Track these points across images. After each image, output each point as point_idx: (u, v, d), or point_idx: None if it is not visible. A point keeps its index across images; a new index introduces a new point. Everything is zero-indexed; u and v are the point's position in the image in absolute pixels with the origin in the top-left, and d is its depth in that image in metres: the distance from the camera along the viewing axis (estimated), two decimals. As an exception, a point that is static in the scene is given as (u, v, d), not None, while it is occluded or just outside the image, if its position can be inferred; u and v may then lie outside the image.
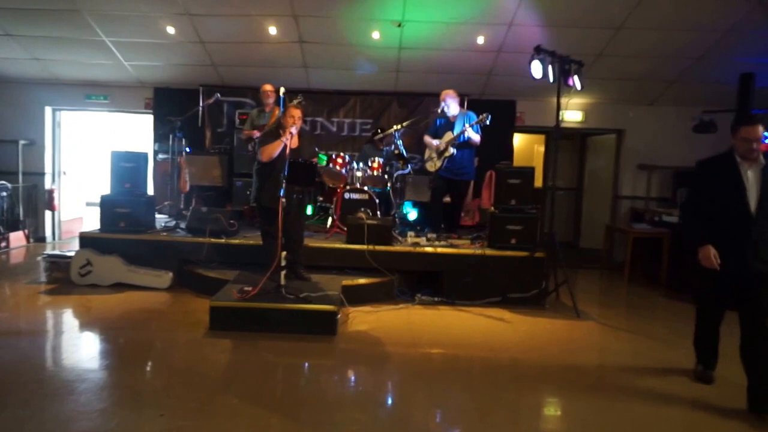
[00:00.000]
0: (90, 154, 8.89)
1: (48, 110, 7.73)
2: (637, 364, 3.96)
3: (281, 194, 4.32)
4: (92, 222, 8.47)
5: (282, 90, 5.98)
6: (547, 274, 5.27)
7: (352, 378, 3.67)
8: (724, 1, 5.40)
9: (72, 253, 5.48)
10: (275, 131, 4.67)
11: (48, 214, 7.77)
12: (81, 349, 3.97)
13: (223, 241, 5.43)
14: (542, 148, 9.31)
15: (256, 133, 6.12)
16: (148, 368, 3.68)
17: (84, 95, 7.54)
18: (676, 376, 3.75)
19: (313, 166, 4.58)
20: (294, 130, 4.56)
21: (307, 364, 3.78)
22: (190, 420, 2.86)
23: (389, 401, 3.37)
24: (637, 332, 4.72)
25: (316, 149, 6.53)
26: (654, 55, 6.39)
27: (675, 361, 3.98)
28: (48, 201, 7.57)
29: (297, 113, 4.63)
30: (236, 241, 5.48)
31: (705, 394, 3.46)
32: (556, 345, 4.30)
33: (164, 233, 5.67)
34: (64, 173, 7.97)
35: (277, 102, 6.17)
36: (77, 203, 8.50)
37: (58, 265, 5.52)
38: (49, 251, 5.91)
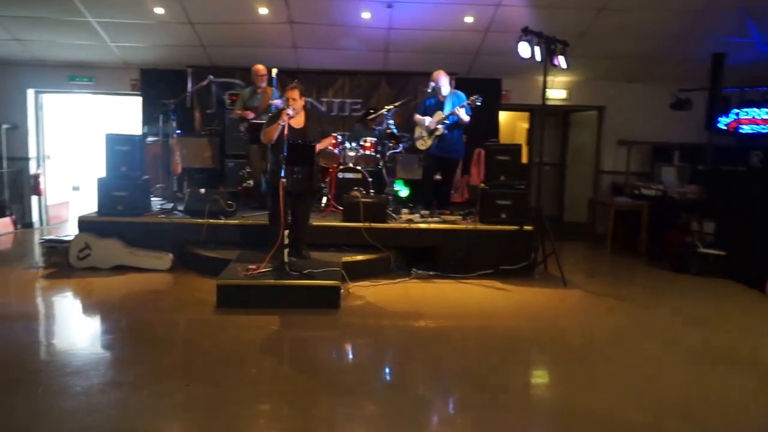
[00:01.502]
0: (73, 138, 8.76)
1: (30, 93, 7.57)
2: (621, 327, 4.27)
3: (282, 175, 4.45)
4: (79, 206, 8.43)
5: (275, 71, 6.05)
6: (535, 246, 5.53)
7: (359, 347, 3.88)
8: (699, -17, 5.65)
9: (70, 237, 5.50)
10: (278, 114, 4.76)
11: (34, 199, 7.67)
12: (96, 328, 4.09)
13: (221, 221, 5.52)
14: (524, 125, 9.56)
15: (250, 114, 6.16)
16: (166, 344, 3.80)
17: (67, 77, 7.41)
18: (657, 335, 4.09)
19: (312, 147, 4.68)
20: (291, 111, 4.65)
21: (315, 336, 3.97)
22: (216, 388, 3.03)
23: (394, 367, 3.58)
24: (620, 298, 5.04)
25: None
26: (633, 35, 6.61)
27: (656, 323, 4.33)
28: (34, 186, 7.47)
29: (292, 94, 4.72)
30: (235, 221, 5.58)
31: (681, 351, 3.77)
32: (547, 312, 4.58)
33: (162, 215, 5.72)
34: (49, 157, 7.87)
35: (269, 82, 6.23)
36: (63, 187, 8.40)
37: (56, 249, 5.51)
38: (46, 236, 5.88)
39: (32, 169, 7.65)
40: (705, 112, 6.47)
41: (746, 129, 7.38)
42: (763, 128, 7.30)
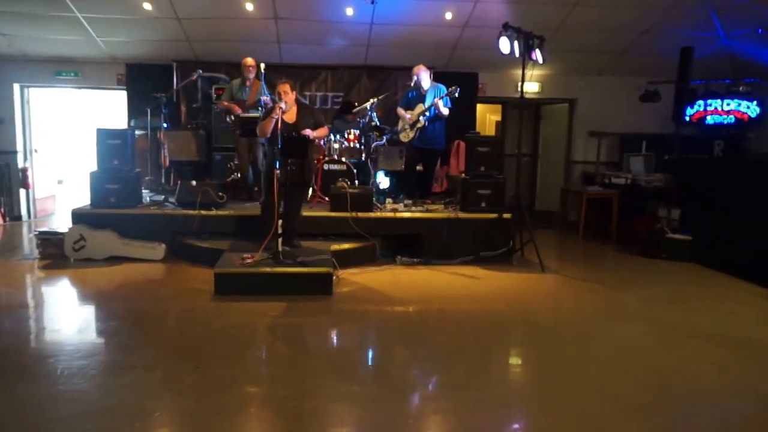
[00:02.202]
0: (59, 132, 8.77)
1: (16, 87, 7.59)
2: (597, 308, 4.58)
3: (276, 166, 4.64)
4: (65, 199, 8.47)
5: (263, 65, 6.20)
6: (513, 233, 5.85)
7: (352, 331, 4.07)
8: (666, -19, 5.99)
9: (63, 230, 5.60)
10: (272, 109, 4.91)
11: (22, 192, 7.71)
12: (100, 315, 4.21)
13: (213, 212, 5.68)
14: (495, 117, 9.90)
15: (237, 110, 6.30)
16: (170, 330, 3.98)
17: (53, 71, 7.45)
18: (631, 315, 4.43)
19: (306, 139, 4.87)
20: (284, 105, 4.78)
21: (310, 321, 4.16)
22: (226, 370, 3.16)
23: (385, 350, 3.79)
24: (594, 281, 5.39)
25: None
26: (604, 29, 6.93)
27: (630, 304, 4.69)
28: (22, 179, 7.51)
29: (283, 88, 4.84)
30: (225, 212, 5.74)
31: (654, 329, 4.13)
32: (527, 295, 4.87)
33: (154, 207, 5.86)
34: (36, 151, 7.89)
35: (257, 76, 6.37)
36: (49, 181, 8.43)
37: (50, 241, 5.62)
38: (40, 228, 5.96)
39: (19, 162, 7.67)
40: (672, 103, 6.84)
41: (710, 120, 7.82)
42: (726, 119, 7.74)
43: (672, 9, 6.44)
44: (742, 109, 7.62)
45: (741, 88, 7.16)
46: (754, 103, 7.52)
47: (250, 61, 6.29)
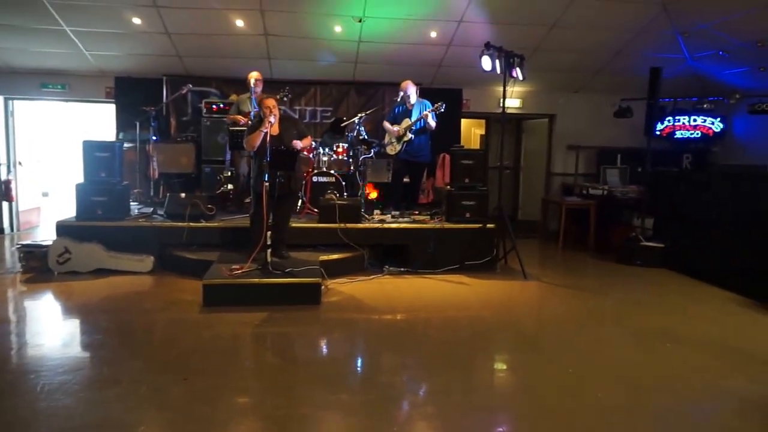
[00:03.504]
0: (43, 144, 8.71)
1: (0, 99, 7.55)
2: (577, 312, 4.76)
3: (265, 179, 4.72)
4: (49, 212, 8.39)
5: (252, 79, 6.31)
6: (497, 243, 6.03)
7: (340, 340, 4.12)
8: (637, 6, 6.28)
9: (47, 242, 5.53)
10: (259, 122, 5.02)
11: (5, 205, 7.62)
12: (85, 329, 4.14)
13: (202, 224, 5.72)
14: (479, 131, 10.18)
15: (243, 119, 6.29)
16: (157, 342, 3.96)
17: (39, 84, 7.42)
18: (609, 318, 4.67)
19: (294, 153, 4.98)
20: (272, 119, 4.86)
21: (299, 331, 4.20)
22: (213, 380, 3.16)
23: (373, 358, 3.83)
24: (574, 287, 5.59)
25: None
26: (580, 50, 7.26)
27: (608, 309, 4.93)
28: (5, 192, 7.42)
29: (268, 103, 4.92)
30: (214, 224, 5.78)
31: (630, 331, 4.31)
32: (510, 301, 5.04)
33: (142, 219, 5.88)
34: (20, 164, 7.84)
35: (246, 89, 6.44)
36: (33, 193, 8.35)
37: (33, 254, 5.54)
38: (22, 242, 5.88)
39: (2, 175, 7.59)
40: (644, 119, 7.19)
41: (679, 134, 8.21)
42: (693, 134, 8.16)
43: (642, 32, 6.78)
44: (708, 124, 8.05)
45: (706, 105, 7.56)
46: (718, 119, 7.97)
47: (256, 75, 6.35)
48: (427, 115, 6.24)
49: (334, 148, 6.66)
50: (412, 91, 6.42)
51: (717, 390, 3.30)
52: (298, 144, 5.11)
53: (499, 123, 6.76)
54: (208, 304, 4.51)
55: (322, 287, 4.86)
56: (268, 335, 4.10)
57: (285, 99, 6.41)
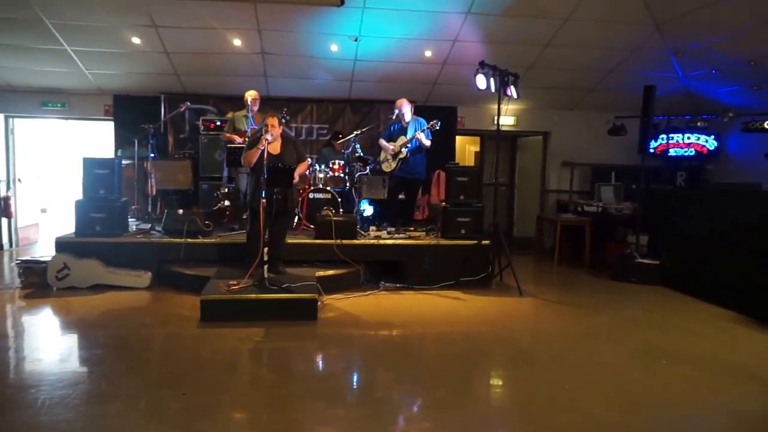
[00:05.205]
0: (44, 160, 8.77)
1: (0, 117, 7.63)
2: (572, 329, 4.78)
3: (262, 195, 4.79)
4: (48, 228, 8.42)
5: (250, 98, 6.40)
6: (492, 259, 6.07)
7: (336, 355, 4.14)
8: (630, 26, 6.42)
9: (46, 258, 5.58)
10: (257, 140, 5.10)
11: (4, 221, 7.65)
12: (84, 344, 4.16)
13: (199, 240, 5.77)
14: (474, 148, 10.28)
15: (238, 139, 6.41)
16: (156, 358, 3.98)
17: (40, 102, 7.52)
18: (605, 335, 4.68)
19: (291, 170, 5.05)
20: (269, 137, 4.93)
21: (295, 346, 4.22)
22: (211, 396, 3.18)
23: (369, 373, 3.86)
24: (569, 304, 5.60)
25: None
26: (575, 68, 7.37)
27: (603, 325, 4.94)
28: (4, 208, 7.46)
29: (270, 121, 5.01)
30: (211, 240, 5.82)
31: (627, 348, 4.33)
32: (505, 317, 5.06)
33: (140, 235, 5.92)
34: (20, 180, 7.88)
35: (243, 107, 6.54)
36: (32, 210, 8.39)
37: (33, 270, 5.59)
38: (22, 257, 5.91)
39: (2, 191, 7.63)
40: (638, 137, 7.27)
41: (673, 152, 8.30)
42: (686, 151, 8.24)
43: (636, 51, 6.91)
44: (701, 142, 8.14)
45: (699, 124, 7.65)
46: (712, 137, 8.05)
47: (254, 93, 6.44)
48: (419, 136, 6.32)
49: (331, 165, 6.72)
50: (407, 109, 6.51)
51: (712, 405, 3.32)
52: (295, 168, 5.18)
53: (493, 140, 6.85)
54: (206, 319, 4.55)
55: (319, 303, 4.89)
56: (266, 350, 4.12)
57: (283, 120, 6.49)
